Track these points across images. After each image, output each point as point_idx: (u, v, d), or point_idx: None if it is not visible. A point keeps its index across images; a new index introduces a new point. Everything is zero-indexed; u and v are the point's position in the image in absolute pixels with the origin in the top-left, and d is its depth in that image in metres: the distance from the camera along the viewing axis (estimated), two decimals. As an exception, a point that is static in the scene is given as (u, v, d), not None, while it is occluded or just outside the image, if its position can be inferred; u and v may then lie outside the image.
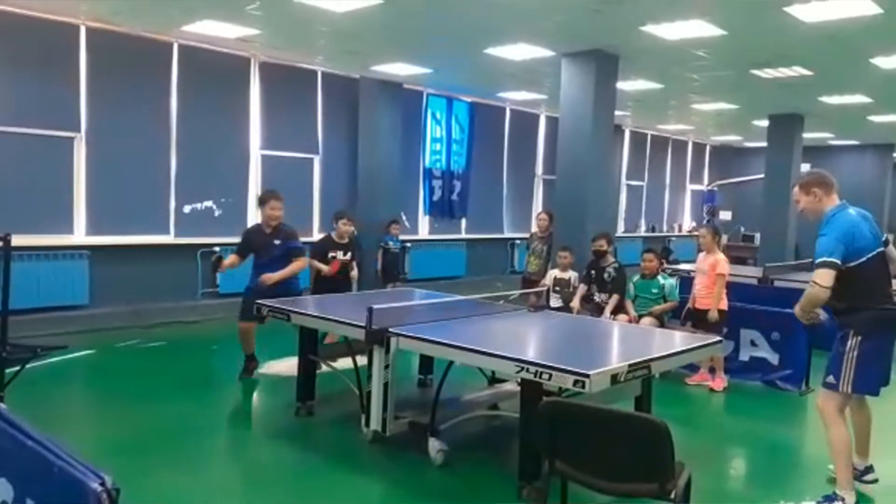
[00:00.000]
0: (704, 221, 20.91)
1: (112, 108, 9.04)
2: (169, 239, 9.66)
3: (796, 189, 4.08)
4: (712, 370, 6.54)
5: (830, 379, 3.90)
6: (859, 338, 3.80)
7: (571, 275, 7.59)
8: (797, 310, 3.99)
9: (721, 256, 6.58)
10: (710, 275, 6.44)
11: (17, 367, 4.72)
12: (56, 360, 6.43)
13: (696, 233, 20.60)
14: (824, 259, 3.74)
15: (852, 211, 3.94)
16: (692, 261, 15.10)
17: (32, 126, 8.43)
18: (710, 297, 6.43)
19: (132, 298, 8.89)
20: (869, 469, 4.18)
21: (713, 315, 6.35)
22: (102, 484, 1.77)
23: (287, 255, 6.11)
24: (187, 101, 9.71)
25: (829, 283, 3.71)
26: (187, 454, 4.60)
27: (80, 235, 8.88)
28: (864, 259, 3.80)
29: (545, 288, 6.94)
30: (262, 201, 6.38)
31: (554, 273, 7.70)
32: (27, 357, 4.79)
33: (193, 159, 9.85)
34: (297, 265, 6.16)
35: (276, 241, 6.14)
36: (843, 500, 3.84)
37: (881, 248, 3.94)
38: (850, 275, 3.76)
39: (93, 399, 6.08)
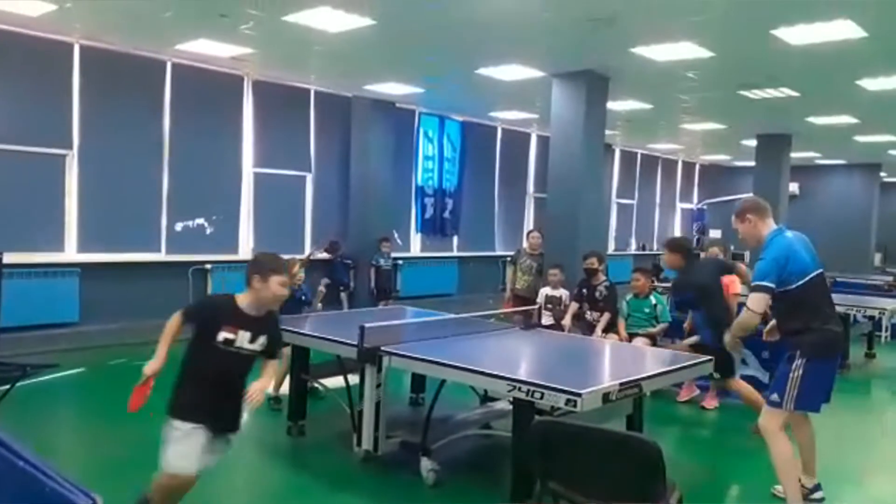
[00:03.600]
0: (694, 240, 21.03)
1: (105, 126, 9.05)
2: (160, 256, 9.64)
3: (733, 218, 4.24)
4: (706, 387, 6.56)
5: (774, 397, 3.98)
6: (804, 359, 3.89)
7: (562, 293, 7.61)
8: (727, 338, 4.31)
9: (733, 276, 6.57)
10: (725, 294, 6.41)
11: (7, 386, 4.70)
12: (46, 378, 6.38)
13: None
14: (757, 283, 3.89)
15: (789, 234, 4.04)
16: (683, 279, 15.08)
17: (25, 143, 8.43)
18: None
19: (123, 316, 8.84)
20: (817, 487, 4.22)
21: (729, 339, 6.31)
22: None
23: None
24: (180, 119, 9.74)
25: (760, 308, 3.89)
26: (177, 474, 4.56)
27: (71, 253, 8.85)
28: (804, 281, 3.89)
29: (537, 306, 6.96)
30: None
31: (545, 291, 7.72)
32: (17, 375, 4.77)
33: (186, 177, 9.85)
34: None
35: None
36: None
37: (821, 270, 4.02)
38: (794, 297, 3.88)
39: (83, 418, 6.03)
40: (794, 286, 3.86)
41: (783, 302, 3.93)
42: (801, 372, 3.88)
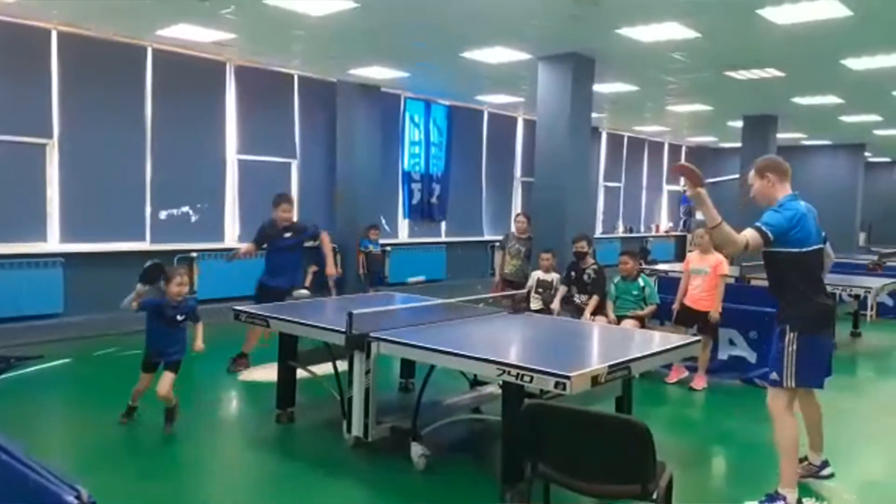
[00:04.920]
0: (681, 222, 21.12)
1: (85, 114, 8.92)
2: (145, 245, 9.54)
3: (751, 173, 4.06)
4: (694, 369, 6.60)
5: (774, 376, 3.93)
6: (795, 333, 3.84)
7: (554, 276, 7.61)
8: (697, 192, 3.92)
9: (721, 257, 6.60)
10: (713, 275, 6.46)
11: (-10, 379, 4.64)
12: (31, 370, 6.31)
13: (674, 233, 20.86)
14: (760, 224, 3.75)
15: (802, 203, 3.98)
16: (670, 261, 15.24)
17: (2, 132, 8.28)
18: (710, 298, 6.44)
19: (108, 306, 8.69)
20: (825, 464, 4.24)
21: (715, 316, 6.40)
22: (78, 497, 1.74)
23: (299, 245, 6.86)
24: (162, 106, 9.61)
25: (754, 245, 3.72)
26: (166, 464, 4.54)
27: (53, 243, 8.75)
28: (807, 250, 3.83)
29: (527, 289, 6.96)
30: (274, 203, 6.88)
31: (537, 275, 7.71)
32: (1, 367, 4.71)
33: (169, 165, 9.74)
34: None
35: (287, 234, 6.75)
36: (784, 498, 3.86)
37: (821, 245, 3.99)
38: (790, 262, 3.82)
39: (69, 409, 5.98)
40: (793, 250, 3.79)
41: (779, 265, 3.85)
42: (794, 347, 3.83)
